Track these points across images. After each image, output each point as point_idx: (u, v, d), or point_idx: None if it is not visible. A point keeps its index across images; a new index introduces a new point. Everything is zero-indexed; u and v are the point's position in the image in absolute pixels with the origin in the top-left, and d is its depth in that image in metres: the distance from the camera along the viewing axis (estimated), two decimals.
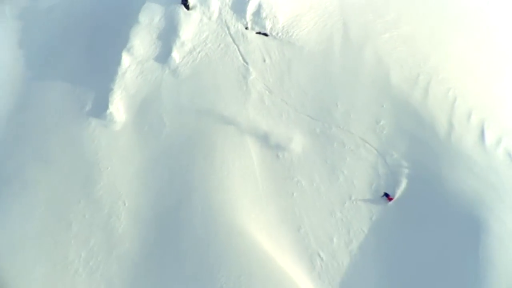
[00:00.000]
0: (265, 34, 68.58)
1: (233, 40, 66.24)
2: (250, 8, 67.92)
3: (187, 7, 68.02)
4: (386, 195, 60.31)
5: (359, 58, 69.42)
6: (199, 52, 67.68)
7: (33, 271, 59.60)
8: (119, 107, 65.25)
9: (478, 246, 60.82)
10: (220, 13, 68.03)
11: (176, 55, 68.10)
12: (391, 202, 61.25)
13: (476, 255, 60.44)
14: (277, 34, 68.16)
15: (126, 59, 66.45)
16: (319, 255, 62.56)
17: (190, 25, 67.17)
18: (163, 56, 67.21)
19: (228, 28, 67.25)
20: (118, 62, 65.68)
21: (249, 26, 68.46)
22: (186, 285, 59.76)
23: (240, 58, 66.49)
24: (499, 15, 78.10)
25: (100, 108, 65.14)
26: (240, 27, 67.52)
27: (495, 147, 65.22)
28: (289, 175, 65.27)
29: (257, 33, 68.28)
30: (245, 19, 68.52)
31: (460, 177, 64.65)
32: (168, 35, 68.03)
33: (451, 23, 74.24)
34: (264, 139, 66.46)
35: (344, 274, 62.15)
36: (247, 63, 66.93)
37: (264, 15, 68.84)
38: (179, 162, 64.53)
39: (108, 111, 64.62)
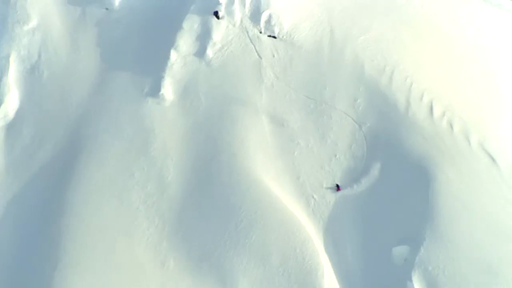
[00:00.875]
0: (274, 37, 72.10)
1: (251, 41, 69.00)
2: (263, 18, 71.46)
3: (218, 17, 71.00)
4: (338, 186, 62.63)
5: (341, 55, 72.95)
6: (226, 49, 70.91)
7: (105, 208, 61.42)
8: (168, 90, 68.67)
9: (428, 190, 63.03)
10: (241, 22, 71.24)
11: (210, 52, 71.23)
12: (339, 192, 63.03)
13: (426, 196, 62.80)
14: (283, 36, 71.29)
15: (173, 55, 69.96)
16: (313, 197, 64.58)
17: (220, 30, 70.43)
18: (200, 52, 70.82)
19: (247, 32, 69.93)
20: (167, 57, 69.60)
21: (262, 31, 71.84)
22: (217, 218, 61.33)
23: (256, 54, 70.00)
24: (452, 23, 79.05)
25: (155, 90, 68.49)
26: (256, 31, 70.64)
27: (440, 119, 68.24)
28: (291, 138, 67.73)
29: (268, 36, 71.74)
30: (259, 25, 71.83)
31: (414, 141, 67.28)
32: (204, 37, 71.58)
33: (410, 28, 77.99)
34: (273, 113, 68.70)
35: (331, 210, 63.88)
36: (261, 57, 70.61)
37: (273, 23, 72.53)
38: (212, 129, 66.97)
39: (160, 93, 67.76)
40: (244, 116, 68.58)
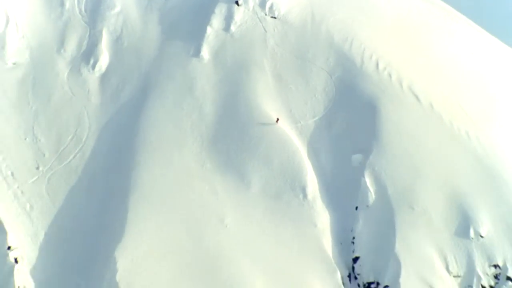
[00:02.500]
0: (274, 17, 69.64)
1: (259, 20, 67.82)
2: (268, 5, 69.88)
3: (238, 4, 69.75)
4: (277, 119, 58.73)
5: (319, 29, 69.03)
6: (243, 26, 68.02)
7: (165, 131, 58.51)
8: (206, 52, 65.80)
9: (375, 118, 59.69)
10: (253, 7, 69.59)
11: (233, 27, 67.89)
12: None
13: (373, 122, 59.46)
14: (280, 17, 69.10)
15: (209, 29, 67.09)
16: (300, 122, 60.80)
17: (239, 13, 68.39)
18: (226, 28, 67.67)
19: (257, 14, 68.52)
20: (205, 31, 67.05)
21: (267, 13, 69.50)
22: (237, 136, 58.55)
23: (263, 29, 67.05)
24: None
25: (197, 53, 66.00)
26: (263, 14, 69.16)
27: (383, 72, 64.43)
28: (286, 85, 63.97)
29: (271, 17, 69.16)
30: (265, 10, 69.59)
31: (366, 86, 63.54)
32: (228, 18, 68.67)
33: (365, 12, 73.66)
34: (274, 69, 65.14)
35: (312, 131, 60.55)
36: (266, 31, 67.51)
37: (274, 8, 70.06)
38: (234, 79, 63.82)
39: (201, 54, 65.19)
40: (255, 70, 64.51)
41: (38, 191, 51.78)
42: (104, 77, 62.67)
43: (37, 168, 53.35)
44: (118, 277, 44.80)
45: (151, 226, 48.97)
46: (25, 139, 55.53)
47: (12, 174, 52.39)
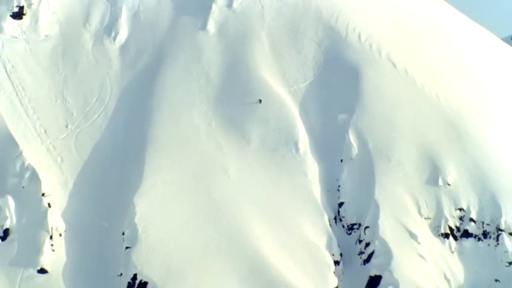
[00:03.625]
0: None
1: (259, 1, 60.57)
2: None
3: None
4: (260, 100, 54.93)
5: (309, 6, 65.97)
6: (244, 3, 65.68)
7: (175, 93, 56.88)
8: (211, 26, 63.17)
9: (358, 82, 57.28)
10: None
11: (235, 4, 65.42)
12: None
13: (356, 86, 57.08)
14: None
15: (214, 6, 64.38)
16: (293, 87, 58.40)
17: None
18: (229, 5, 64.72)
19: None
20: (211, 7, 64.31)
21: None
22: (239, 97, 56.61)
23: (261, 5, 64.44)
24: None
25: (203, 26, 63.10)
26: None
27: (365, 42, 61.42)
28: (280, 53, 61.07)
29: None
30: None
31: (350, 54, 60.93)
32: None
33: None
34: (271, 39, 62.28)
35: (303, 93, 58.14)
36: (263, 8, 64.80)
37: None
38: (236, 48, 61.32)
39: (207, 28, 62.47)
40: (254, 42, 61.54)
41: (67, 146, 49.86)
42: (123, 48, 59.70)
43: (66, 126, 51.46)
44: (136, 219, 43.11)
45: (165, 176, 47.23)
46: (56, 101, 53.43)
47: (45, 131, 50.35)
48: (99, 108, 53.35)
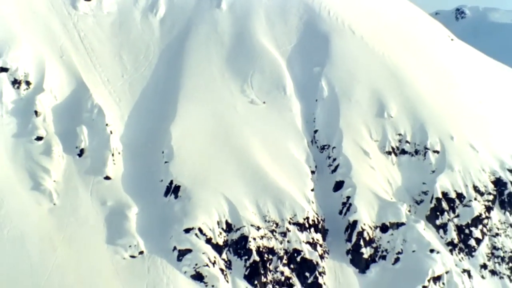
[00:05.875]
0: None
1: None
2: None
3: None
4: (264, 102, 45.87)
5: None
6: None
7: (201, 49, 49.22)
8: (224, 4, 54.49)
9: (328, 46, 50.27)
10: None
11: None
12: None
13: (327, 48, 50.13)
14: None
15: None
16: (281, 48, 51.07)
17: None
18: None
19: None
20: None
21: None
22: (243, 58, 49.03)
23: None
24: None
25: (219, 4, 54.29)
26: None
27: (332, 17, 53.80)
28: (274, 24, 53.14)
29: None
30: None
31: (322, 25, 53.12)
32: None
33: None
34: (268, 11, 53.90)
35: (290, 53, 50.96)
36: None
37: None
38: (242, 21, 52.96)
39: (221, 6, 53.88)
40: (254, 16, 52.98)
41: (123, 90, 43.88)
42: (162, 21, 51.59)
43: (122, 76, 45.21)
44: (172, 142, 38.66)
45: (192, 111, 41.91)
46: (115, 58, 46.86)
47: (108, 80, 44.48)
48: (145, 63, 46.68)
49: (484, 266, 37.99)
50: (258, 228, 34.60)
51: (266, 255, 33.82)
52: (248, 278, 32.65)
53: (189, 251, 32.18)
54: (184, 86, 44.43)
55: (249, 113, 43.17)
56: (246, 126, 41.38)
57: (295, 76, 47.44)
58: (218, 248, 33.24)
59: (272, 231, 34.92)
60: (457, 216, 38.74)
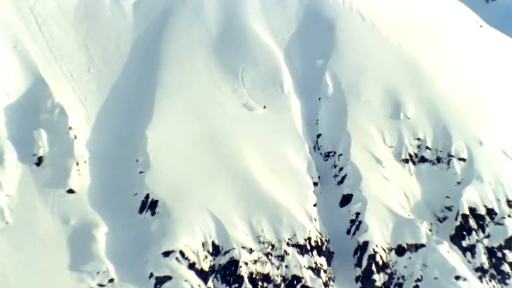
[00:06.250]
0: None
1: None
2: None
3: None
4: (264, 107, 47.21)
5: None
6: None
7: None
8: None
9: (333, 33, 52.23)
10: None
11: None
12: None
13: (332, 36, 52.13)
14: None
15: None
16: (278, 36, 53.15)
17: None
18: None
19: None
20: None
21: None
22: (235, 46, 51.34)
23: None
24: None
25: None
26: None
27: (344, 4, 55.12)
28: (269, 8, 55.24)
29: None
30: None
31: (326, 10, 54.93)
32: None
33: None
34: None
35: (287, 42, 53.06)
36: None
37: None
38: (232, 5, 55.07)
39: None
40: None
41: (89, 86, 45.24)
42: (136, 4, 53.09)
43: (89, 70, 46.52)
44: (148, 148, 39.88)
45: (172, 111, 43.21)
46: (80, 49, 47.90)
47: (71, 74, 45.65)
48: (116, 55, 47.89)
49: None
50: (251, 251, 35.47)
51: (260, 283, 34.67)
52: None
53: (168, 278, 32.90)
54: (162, 82, 45.85)
55: (240, 114, 44.61)
56: (236, 129, 42.73)
57: (294, 71, 49.10)
58: (203, 275, 34.05)
59: (267, 254, 35.85)
60: (488, 236, 37.94)
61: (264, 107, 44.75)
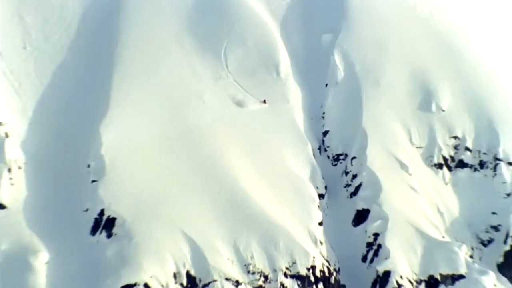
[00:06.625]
0: None
1: None
2: None
3: None
4: (264, 101, 46.36)
5: None
6: None
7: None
8: None
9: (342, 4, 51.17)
10: None
11: None
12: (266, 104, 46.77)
13: (343, 2, 52.82)
14: None
15: None
16: (274, 4, 53.39)
17: None
18: None
19: None
20: None
21: None
22: (215, 20, 51.42)
23: None
24: None
25: None
26: None
27: None
28: None
29: None
30: None
31: None
32: None
33: None
34: None
35: (285, 11, 53.54)
36: None
37: None
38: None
39: None
40: None
41: (25, 69, 43.85)
42: None
43: (24, 48, 45.03)
44: (103, 150, 38.44)
45: (134, 102, 42.01)
46: (12, 19, 46.37)
47: (1, 53, 44.09)
48: (60, 28, 46.64)
49: None
50: (237, 284, 34.56)
51: None
52: None
53: None
54: (121, 63, 44.84)
55: (223, 106, 43.71)
56: (217, 124, 41.84)
57: (293, 49, 48.58)
58: None
59: None
60: None
61: (264, 101, 44.15)
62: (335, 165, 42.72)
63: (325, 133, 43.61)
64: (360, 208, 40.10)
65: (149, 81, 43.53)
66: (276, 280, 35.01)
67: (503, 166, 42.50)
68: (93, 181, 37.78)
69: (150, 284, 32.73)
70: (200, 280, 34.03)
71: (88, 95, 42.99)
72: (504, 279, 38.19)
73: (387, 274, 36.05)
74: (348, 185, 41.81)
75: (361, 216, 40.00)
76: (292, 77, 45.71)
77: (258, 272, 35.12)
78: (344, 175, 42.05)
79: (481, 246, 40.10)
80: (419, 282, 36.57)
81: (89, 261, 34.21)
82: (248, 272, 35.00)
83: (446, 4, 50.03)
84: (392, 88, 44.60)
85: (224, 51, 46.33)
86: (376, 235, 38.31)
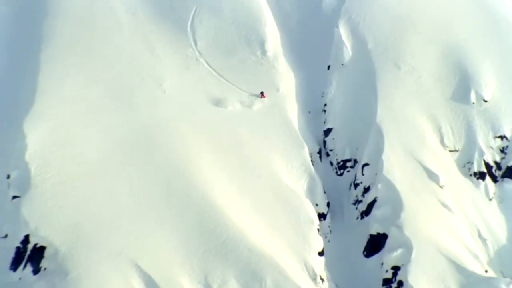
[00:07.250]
0: None
1: None
2: None
3: None
4: (262, 93, 47.32)
5: None
6: None
7: None
8: None
9: None
10: None
11: None
12: (264, 99, 47.78)
13: None
14: None
15: None
16: None
17: None
18: None
19: None
20: None
21: None
22: None
23: None
24: None
25: None
26: None
27: None
28: None
29: None
30: None
31: None
32: None
33: None
34: None
35: None
36: None
37: None
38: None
39: None
40: None
41: None
42: None
43: None
44: (27, 156, 39.56)
45: (70, 90, 43.16)
46: None
47: None
48: None
49: None
50: None
51: None
52: None
53: None
54: (51, 36, 46.47)
55: (189, 96, 45.25)
56: (182, 119, 43.24)
57: (284, 19, 50.84)
58: None
59: None
60: None
61: (262, 94, 45.42)
62: (341, 174, 44.23)
63: (327, 131, 45.06)
64: (374, 232, 41.20)
65: (90, 61, 44.66)
66: None
67: None
68: (15, 197, 38.70)
69: None
70: None
71: (9, 82, 44.33)
72: None
73: None
74: (358, 202, 43.10)
75: (375, 243, 41.08)
76: (283, 57, 47.36)
77: None
78: (352, 187, 43.24)
79: None
80: None
81: None
82: None
83: None
84: (416, 71, 46.17)
85: (192, 22, 47.80)
86: (395, 268, 39.24)
